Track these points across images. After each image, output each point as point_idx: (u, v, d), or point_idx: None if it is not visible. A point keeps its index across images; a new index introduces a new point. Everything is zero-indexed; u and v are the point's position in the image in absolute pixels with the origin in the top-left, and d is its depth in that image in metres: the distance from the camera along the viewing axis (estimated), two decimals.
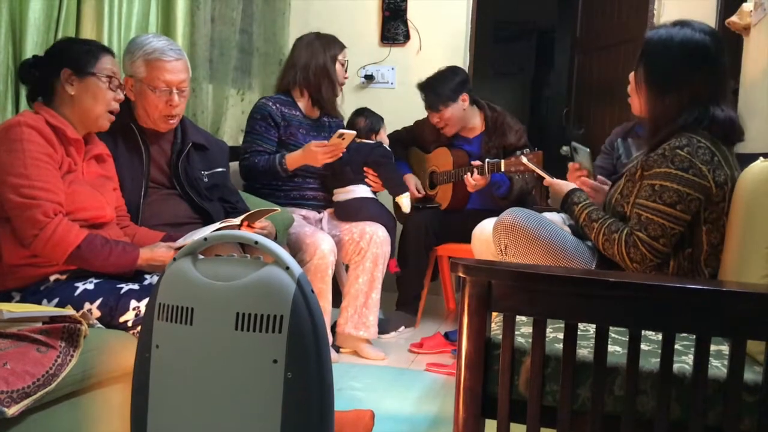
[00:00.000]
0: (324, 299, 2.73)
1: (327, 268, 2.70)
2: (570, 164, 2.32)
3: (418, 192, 3.39)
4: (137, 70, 2.16)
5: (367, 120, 3.22)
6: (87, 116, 1.91)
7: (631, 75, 1.99)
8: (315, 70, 3.01)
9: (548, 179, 2.21)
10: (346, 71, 3.14)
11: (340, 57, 3.07)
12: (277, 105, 2.99)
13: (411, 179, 3.41)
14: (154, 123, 2.21)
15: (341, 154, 2.84)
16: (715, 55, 1.83)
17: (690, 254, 1.82)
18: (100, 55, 1.93)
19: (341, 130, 2.78)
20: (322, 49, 3.04)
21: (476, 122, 3.36)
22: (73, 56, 1.90)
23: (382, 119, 3.27)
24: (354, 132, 2.83)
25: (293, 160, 2.87)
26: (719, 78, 1.85)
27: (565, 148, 2.31)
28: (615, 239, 1.83)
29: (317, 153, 2.79)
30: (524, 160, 2.65)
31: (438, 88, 3.22)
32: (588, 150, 2.28)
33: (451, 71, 3.28)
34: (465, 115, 3.29)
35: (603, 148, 3.02)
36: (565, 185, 2.09)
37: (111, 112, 1.96)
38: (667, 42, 1.85)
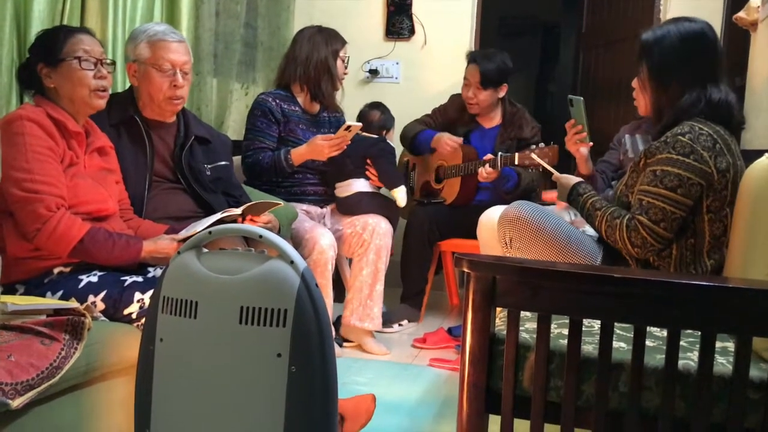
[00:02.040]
0: (324, 294, 2.72)
1: (326, 263, 2.70)
2: (566, 124, 2.37)
3: (451, 143, 3.27)
4: (141, 53, 2.15)
5: (382, 116, 3.21)
6: (74, 102, 1.88)
7: (634, 81, 2.03)
8: (316, 65, 2.98)
9: (556, 174, 2.24)
10: (346, 67, 3.11)
11: (341, 52, 3.05)
12: (277, 101, 2.97)
13: (442, 135, 3.30)
14: (159, 107, 2.19)
15: (345, 146, 2.83)
16: (711, 39, 1.89)
17: (692, 245, 1.83)
18: (67, 38, 1.87)
19: (348, 122, 2.77)
20: (324, 43, 3.01)
21: (497, 114, 3.40)
22: (41, 49, 1.87)
23: (394, 119, 3.25)
24: (360, 124, 2.82)
25: (299, 155, 2.86)
26: (716, 60, 1.90)
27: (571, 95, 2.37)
28: (617, 224, 1.85)
29: (324, 146, 2.77)
30: (534, 156, 2.67)
31: (495, 69, 3.24)
32: (582, 99, 2.32)
33: (508, 57, 3.30)
34: (495, 103, 3.35)
35: (611, 144, 3.03)
36: (572, 179, 2.13)
37: (102, 90, 1.90)
38: (663, 35, 1.91)
